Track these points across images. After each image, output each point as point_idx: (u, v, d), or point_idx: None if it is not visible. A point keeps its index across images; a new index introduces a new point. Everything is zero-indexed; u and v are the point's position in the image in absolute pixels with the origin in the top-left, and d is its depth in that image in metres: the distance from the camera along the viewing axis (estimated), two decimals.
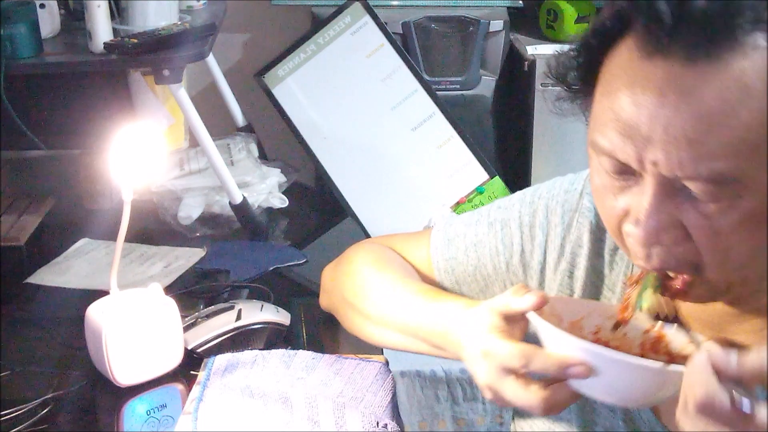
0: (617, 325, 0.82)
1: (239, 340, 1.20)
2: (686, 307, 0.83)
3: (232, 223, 1.66)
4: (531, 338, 0.79)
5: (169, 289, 1.33)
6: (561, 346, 0.73)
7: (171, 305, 1.15)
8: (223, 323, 1.21)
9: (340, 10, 1.75)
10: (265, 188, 1.73)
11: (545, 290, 0.94)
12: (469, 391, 1.63)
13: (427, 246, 1.03)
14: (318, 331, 1.28)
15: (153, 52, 1.48)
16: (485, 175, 1.73)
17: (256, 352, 1.15)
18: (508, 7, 1.90)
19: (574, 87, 0.79)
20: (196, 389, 1.09)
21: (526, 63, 1.82)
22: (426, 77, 1.78)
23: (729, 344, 0.70)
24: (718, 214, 0.69)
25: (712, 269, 0.73)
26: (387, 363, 1.15)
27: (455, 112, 1.77)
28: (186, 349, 1.17)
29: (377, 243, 1.10)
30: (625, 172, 0.73)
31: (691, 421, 0.67)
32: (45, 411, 1.09)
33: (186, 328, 1.20)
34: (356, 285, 1.03)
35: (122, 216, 1.09)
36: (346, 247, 1.13)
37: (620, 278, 0.90)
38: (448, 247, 1.01)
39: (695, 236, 0.71)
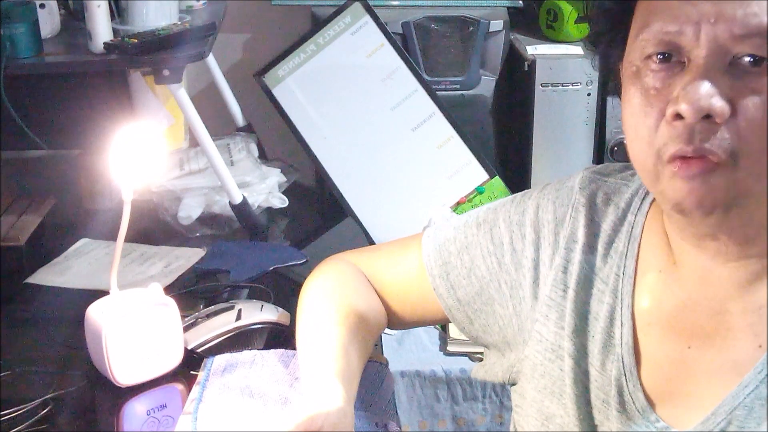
0: None
1: (239, 340, 1.20)
2: (691, 277, 0.84)
3: (232, 223, 1.66)
4: None
5: (169, 289, 1.33)
6: None
7: (171, 305, 1.15)
8: (223, 323, 1.21)
9: (340, 10, 1.74)
10: (265, 188, 1.72)
11: (539, 287, 0.94)
12: (469, 390, 1.62)
13: (417, 254, 1.03)
14: None
15: (153, 52, 1.48)
16: (485, 175, 1.73)
17: (254, 352, 1.15)
18: (508, 7, 1.90)
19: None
20: (195, 389, 1.09)
21: (526, 63, 1.82)
22: (426, 77, 1.78)
23: None
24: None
25: (749, 159, 0.73)
26: (387, 363, 1.15)
27: (455, 112, 1.76)
28: (186, 349, 1.17)
29: (346, 261, 1.10)
30: (673, 57, 0.75)
31: None
32: (45, 411, 1.09)
33: (186, 328, 1.20)
34: (300, 305, 1.05)
35: (122, 216, 1.09)
36: (346, 247, 1.13)
37: (613, 270, 0.90)
38: (440, 252, 1.01)
39: (742, 112, 0.72)
